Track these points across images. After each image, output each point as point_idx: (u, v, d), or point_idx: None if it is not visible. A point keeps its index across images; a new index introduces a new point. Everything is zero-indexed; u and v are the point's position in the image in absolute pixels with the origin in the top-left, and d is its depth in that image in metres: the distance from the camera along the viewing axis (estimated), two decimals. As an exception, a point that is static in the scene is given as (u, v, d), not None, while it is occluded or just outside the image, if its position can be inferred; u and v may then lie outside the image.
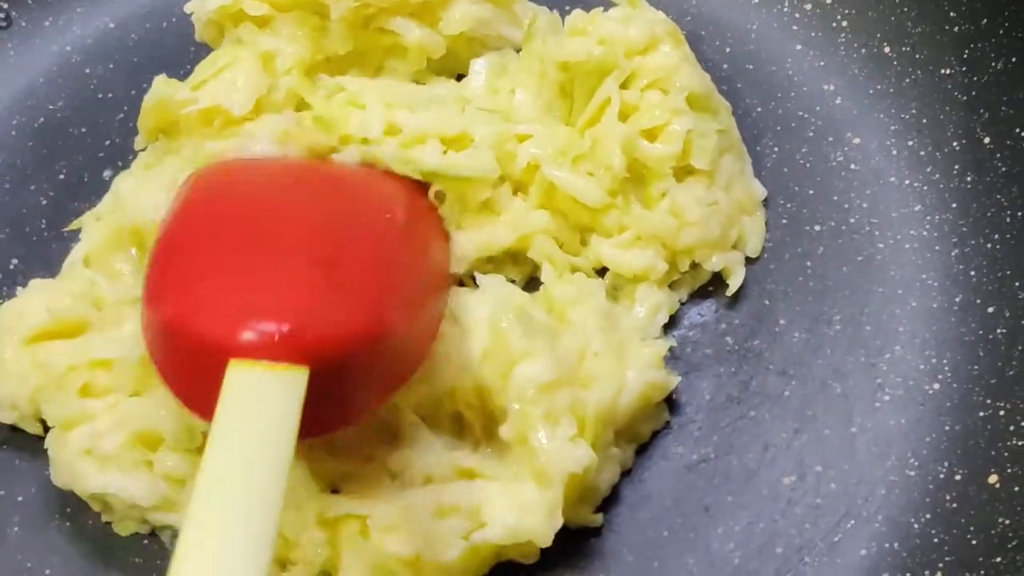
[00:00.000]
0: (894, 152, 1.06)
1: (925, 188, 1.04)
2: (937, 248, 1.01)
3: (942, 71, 1.06)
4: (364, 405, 0.83)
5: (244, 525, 0.64)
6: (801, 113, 1.09)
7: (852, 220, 1.03)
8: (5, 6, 1.19)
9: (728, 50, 1.13)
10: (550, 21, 1.05)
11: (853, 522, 0.91)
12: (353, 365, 0.79)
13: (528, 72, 1.03)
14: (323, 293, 0.80)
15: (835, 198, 1.05)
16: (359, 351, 0.78)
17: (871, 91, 1.09)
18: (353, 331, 0.78)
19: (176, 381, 0.81)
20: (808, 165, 1.06)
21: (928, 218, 1.03)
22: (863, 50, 1.11)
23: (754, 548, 0.90)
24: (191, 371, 0.79)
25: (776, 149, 1.07)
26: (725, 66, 1.12)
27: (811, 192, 1.05)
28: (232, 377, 0.72)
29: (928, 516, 0.90)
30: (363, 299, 0.81)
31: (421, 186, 0.96)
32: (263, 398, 0.71)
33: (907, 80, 1.08)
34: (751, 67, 1.11)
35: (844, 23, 1.12)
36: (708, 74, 1.04)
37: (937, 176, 1.04)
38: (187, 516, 0.65)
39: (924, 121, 1.06)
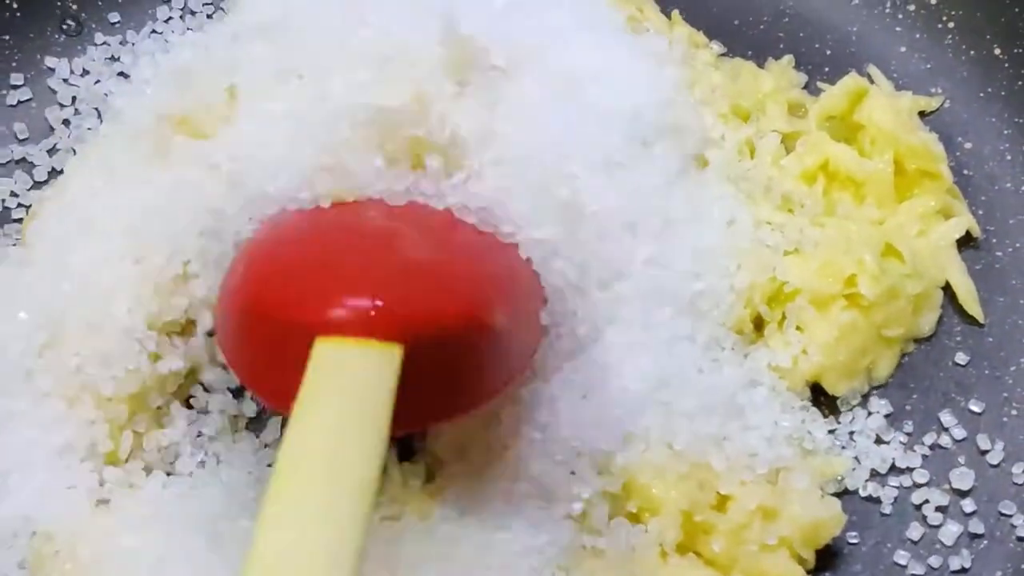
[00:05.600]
0: (1008, 157, 1.02)
1: (1042, 194, 1.00)
2: (1059, 257, 0.97)
3: (1056, 73, 1.02)
4: (462, 400, 0.77)
5: (331, 511, 0.59)
6: (909, 118, 1.04)
7: (967, 227, 0.98)
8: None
9: (829, 52, 1.08)
10: None
11: (986, 543, 0.86)
12: (449, 349, 0.73)
13: None
14: (419, 276, 0.75)
15: (949, 205, 1.00)
16: (455, 333, 0.73)
17: (981, 94, 1.04)
18: (449, 311, 0.73)
19: (252, 371, 0.76)
20: (919, 171, 1.02)
21: (1048, 225, 0.99)
22: (972, 52, 1.06)
23: (883, 570, 0.85)
24: (270, 358, 0.74)
25: (884, 154, 1.02)
26: (826, 69, 1.07)
27: (924, 199, 1.00)
28: (320, 355, 0.67)
29: (1066, 536, 0.85)
30: (461, 285, 0.76)
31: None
32: (355, 376, 0.66)
33: (1020, 82, 1.03)
34: (853, 70, 1.05)
35: (951, 24, 1.07)
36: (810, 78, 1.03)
37: (1055, 182, 1.00)
38: (264, 505, 0.59)
39: (1039, 125, 1.02)
